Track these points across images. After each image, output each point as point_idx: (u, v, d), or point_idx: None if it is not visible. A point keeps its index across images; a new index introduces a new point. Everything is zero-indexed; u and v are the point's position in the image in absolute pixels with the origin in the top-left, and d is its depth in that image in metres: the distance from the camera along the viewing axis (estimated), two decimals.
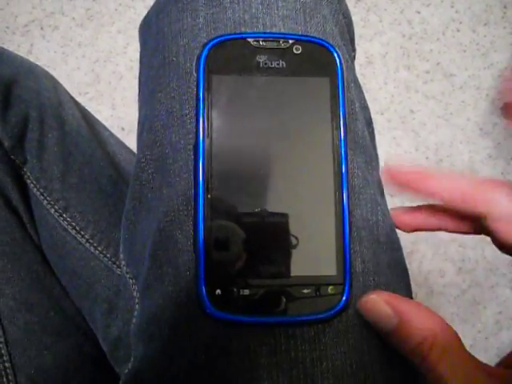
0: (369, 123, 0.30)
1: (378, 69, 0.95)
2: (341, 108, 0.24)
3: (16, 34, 0.94)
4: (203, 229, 0.23)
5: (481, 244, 0.84)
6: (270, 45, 0.25)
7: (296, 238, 0.24)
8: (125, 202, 0.31)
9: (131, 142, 0.38)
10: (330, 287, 0.23)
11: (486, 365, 0.22)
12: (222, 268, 0.23)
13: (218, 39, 0.24)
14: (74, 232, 0.38)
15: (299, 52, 0.25)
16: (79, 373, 0.38)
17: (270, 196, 0.24)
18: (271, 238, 0.24)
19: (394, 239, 0.27)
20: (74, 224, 0.38)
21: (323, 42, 0.25)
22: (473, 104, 0.94)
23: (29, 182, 0.39)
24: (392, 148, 0.91)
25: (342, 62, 0.25)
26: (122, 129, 0.89)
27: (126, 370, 0.31)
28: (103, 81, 0.92)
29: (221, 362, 0.23)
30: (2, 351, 0.35)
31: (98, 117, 0.47)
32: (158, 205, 0.27)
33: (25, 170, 0.39)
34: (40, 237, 0.40)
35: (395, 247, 0.27)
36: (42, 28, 0.94)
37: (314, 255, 0.24)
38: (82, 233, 0.38)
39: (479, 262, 0.85)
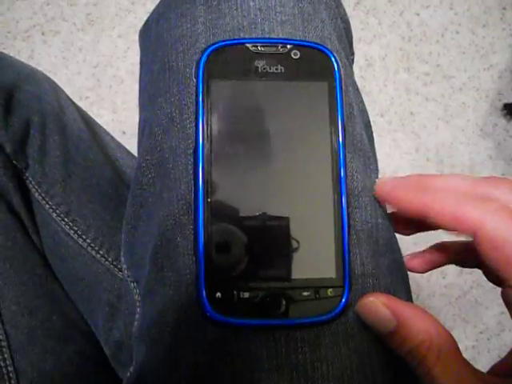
0: (367, 126, 0.30)
1: (378, 71, 0.95)
2: (339, 112, 0.25)
3: (17, 39, 0.94)
4: (203, 232, 0.23)
5: None
6: (268, 50, 0.25)
7: (295, 241, 0.24)
8: (126, 206, 0.31)
9: (132, 146, 0.38)
10: (330, 290, 0.23)
11: (479, 372, 0.22)
12: (222, 271, 0.23)
13: (217, 45, 0.25)
14: (75, 236, 0.39)
15: (297, 57, 0.25)
16: (81, 376, 0.38)
17: (270, 200, 0.24)
18: (271, 241, 0.24)
19: (393, 241, 0.27)
20: (75, 228, 0.39)
21: (321, 47, 0.25)
22: (473, 105, 0.95)
23: (30, 186, 0.39)
24: (392, 150, 0.91)
25: (340, 66, 0.25)
26: (124, 133, 0.89)
27: (128, 374, 0.31)
28: (104, 85, 0.92)
29: (222, 365, 0.24)
30: (5, 355, 0.35)
31: (99, 121, 0.47)
32: (159, 209, 0.27)
33: (26, 174, 0.39)
34: (42, 241, 0.40)
35: (394, 249, 0.27)
36: (43, 33, 0.95)
37: (313, 258, 0.24)
38: (84, 237, 0.39)
39: None
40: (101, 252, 0.39)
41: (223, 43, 0.25)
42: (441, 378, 0.21)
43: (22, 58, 0.91)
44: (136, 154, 0.32)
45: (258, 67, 0.25)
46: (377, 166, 0.30)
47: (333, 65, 0.25)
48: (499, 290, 0.23)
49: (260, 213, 0.24)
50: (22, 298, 0.37)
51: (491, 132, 0.93)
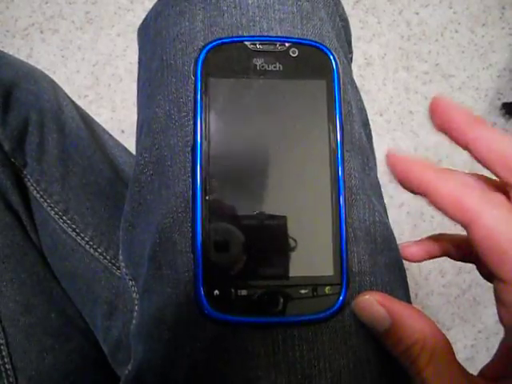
0: (366, 124, 0.30)
1: (377, 70, 0.95)
2: (337, 110, 0.25)
3: (16, 38, 0.94)
4: (201, 230, 0.23)
5: None
6: (266, 48, 0.25)
7: (293, 239, 0.24)
8: (124, 204, 0.31)
9: (131, 145, 0.38)
10: (327, 287, 0.23)
11: (471, 375, 0.22)
12: (219, 269, 0.23)
13: (216, 42, 0.25)
14: (73, 234, 0.39)
15: (296, 55, 0.25)
16: (80, 374, 0.38)
17: (268, 198, 0.24)
18: (269, 239, 0.24)
19: (391, 240, 0.27)
20: (73, 226, 0.39)
21: (319, 45, 0.25)
22: (472, 104, 0.95)
23: (29, 184, 0.39)
24: None
25: (338, 64, 0.25)
26: (122, 131, 0.89)
27: (126, 372, 0.31)
28: (103, 83, 0.92)
29: (220, 362, 0.24)
30: (3, 353, 0.35)
31: (97, 119, 0.47)
32: (157, 207, 0.27)
33: (25, 172, 0.39)
34: (40, 239, 0.40)
35: (392, 247, 0.27)
36: (41, 31, 0.95)
37: (311, 256, 0.24)
38: (82, 235, 0.39)
39: None
40: (99, 250, 0.39)
41: (221, 41, 0.25)
42: (432, 380, 0.21)
43: (21, 56, 0.91)
44: (135, 152, 0.32)
45: (256, 65, 0.25)
46: (375, 164, 0.30)
47: (331, 63, 0.25)
48: None
49: (258, 211, 0.24)
50: (20, 296, 0.37)
51: None
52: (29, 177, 0.39)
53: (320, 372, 0.23)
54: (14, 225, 0.38)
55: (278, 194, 0.24)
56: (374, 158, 0.30)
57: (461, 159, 0.92)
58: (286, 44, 0.25)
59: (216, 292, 0.23)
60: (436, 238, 0.29)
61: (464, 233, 0.23)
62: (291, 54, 0.25)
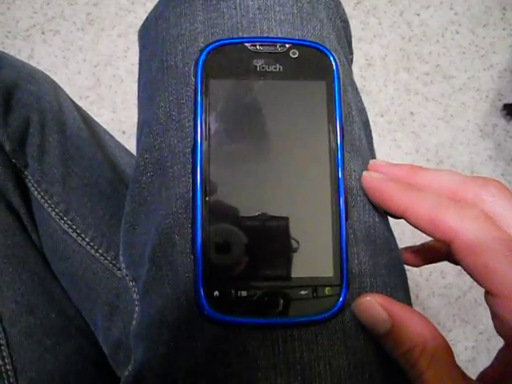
0: (366, 126, 0.30)
1: (378, 71, 0.95)
2: (337, 111, 0.25)
3: (17, 39, 0.94)
4: (201, 231, 0.23)
5: None
6: (267, 49, 0.25)
7: (293, 240, 0.24)
8: (125, 204, 0.31)
9: (132, 146, 0.38)
10: (327, 288, 0.23)
11: (470, 379, 0.22)
12: (219, 270, 0.23)
13: (216, 44, 0.25)
14: (74, 235, 0.39)
15: (296, 56, 0.25)
16: (80, 375, 0.38)
17: (267, 199, 0.24)
18: (269, 240, 0.24)
19: (391, 241, 0.27)
20: (74, 227, 0.39)
21: (319, 46, 0.25)
22: (473, 105, 0.95)
23: (30, 185, 0.39)
24: (392, 150, 0.91)
25: (339, 65, 0.25)
26: (123, 132, 0.89)
27: (126, 372, 0.31)
28: (104, 84, 0.92)
29: (219, 363, 0.24)
30: (4, 354, 0.35)
31: (98, 120, 0.47)
32: (157, 208, 0.27)
33: (26, 173, 0.39)
34: (41, 240, 0.40)
35: (392, 249, 0.27)
36: (43, 32, 0.95)
37: (311, 257, 0.24)
38: (83, 235, 0.39)
39: None
40: (100, 251, 0.39)
41: (222, 42, 0.25)
42: (432, 383, 0.21)
43: (22, 57, 0.91)
44: (135, 153, 0.32)
45: (256, 66, 0.25)
46: None
47: (331, 64, 0.25)
48: None
49: (258, 212, 0.24)
50: (20, 297, 0.37)
51: (491, 132, 0.93)
52: (30, 178, 0.39)
53: (320, 373, 0.23)
54: (14, 225, 0.38)
55: (277, 196, 0.24)
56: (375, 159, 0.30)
57: (461, 160, 0.92)
58: (287, 45, 0.25)
59: (216, 293, 0.23)
60: (435, 243, 0.29)
61: None
62: (291, 55, 0.25)
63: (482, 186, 0.23)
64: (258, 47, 0.25)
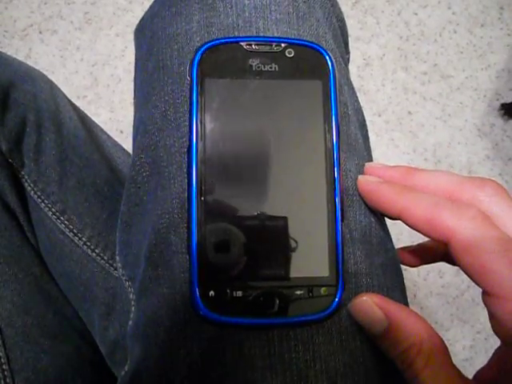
0: (362, 125, 0.30)
1: (376, 70, 0.95)
2: (333, 111, 0.25)
3: (15, 38, 0.94)
4: (196, 231, 0.23)
5: None
6: (262, 48, 0.25)
7: (289, 240, 0.24)
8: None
9: (130, 145, 0.38)
10: (323, 288, 0.23)
11: (467, 379, 0.22)
12: (215, 270, 0.23)
13: (212, 43, 0.25)
14: (71, 235, 0.39)
15: (292, 55, 0.25)
16: (77, 375, 0.38)
17: (263, 199, 0.24)
18: (264, 240, 0.24)
19: (387, 241, 0.27)
20: (71, 227, 0.39)
21: (315, 46, 0.25)
22: (470, 105, 0.95)
23: (26, 185, 0.39)
24: (390, 149, 0.91)
25: (335, 65, 0.25)
26: (121, 132, 0.89)
27: (123, 372, 0.31)
28: (101, 84, 0.92)
29: (215, 364, 0.24)
30: (0, 354, 0.35)
31: (96, 120, 0.47)
32: (153, 207, 0.27)
33: (22, 173, 0.39)
34: (38, 239, 0.40)
35: (388, 248, 0.27)
36: (40, 32, 0.95)
37: (307, 257, 0.24)
38: (80, 235, 0.39)
39: None
40: (96, 251, 0.39)
41: (217, 42, 0.25)
42: (429, 383, 0.21)
43: (20, 56, 0.91)
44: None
45: (252, 66, 0.25)
46: None
47: (327, 64, 0.25)
48: None
49: (253, 212, 0.24)
50: (17, 297, 0.37)
51: (489, 132, 0.93)
52: (26, 177, 0.39)
53: (316, 373, 0.23)
54: (11, 225, 0.38)
55: (273, 195, 0.24)
56: (371, 159, 0.30)
57: (459, 160, 0.92)
58: (282, 44, 0.25)
59: (211, 293, 0.23)
60: (432, 244, 0.29)
61: None
62: (287, 54, 0.25)
63: (478, 186, 0.23)
64: (253, 46, 0.25)
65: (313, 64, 0.25)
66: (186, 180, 0.24)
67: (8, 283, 0.37)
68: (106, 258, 0.39)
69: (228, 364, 0.23)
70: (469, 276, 0.22)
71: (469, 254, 0.21)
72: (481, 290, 0.22)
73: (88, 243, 0.39)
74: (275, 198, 0.24)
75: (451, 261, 0.28)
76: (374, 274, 0.25)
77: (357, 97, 0.31)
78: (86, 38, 0.95)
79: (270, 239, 0.24)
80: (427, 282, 0.85)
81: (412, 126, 0.93)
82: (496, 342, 0.23)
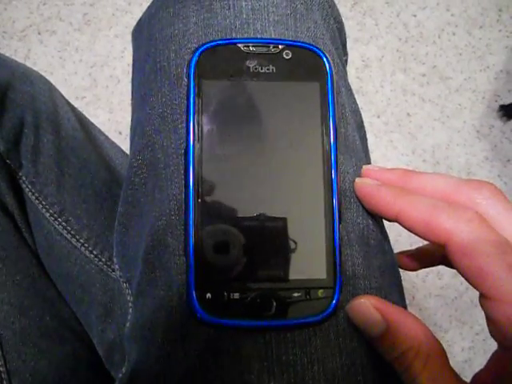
0: (360, 127, 0.30)
1: (375, 72, 0.95)
2: (331, 112, 0.25)
3: (13, 39, 0.94)
4: (193, 233, 0.23)
5: None
6: (260, 50, 0.25)
7: (286, 242, 0.24)
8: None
9: (128, 146, 0.38)
10: (321, 291, 0.23)
11: (465, 382, 0.22)
12: (212, 272, 0.23)
13: (209, 45, 0.25)
14: (69, 236, 0.39)
15: (289, 57, 0.25)
16: (75, 377, 0.38)
17: (260, 201, 0.24)
18: (262, 242, 0.24)
19: (385, 243, 0.27)
20: (69, 228, 0.39)
21: (313, 48, 0.25)
22: (469, 107, 0.95)
23: (24, 186, 0.39)
24: (389, 151, 0.91)
25: (332, 67, 0.25)
26: (120, 133, 0.89)
27: (121, 374, 0.31)
28: (100, 85, 0.92)
29: (212, 366, 0.23)
30: None
31: (95, 121, 0.47)
32: (150, 209, 0.27)
33: (20, 174, 0.39)
34: (35, 241, 0.40)
35: (386, 250, 0.27)
36: (39, 33, 0.95)
37: (304, 259, 0.24)
38: (77, 237, 0.39)
39: None
40: (94, 252, 0.38)
41: (215, 43, 0.25)
42: None
43: (19, 57, 0.91)
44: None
45: (249, 67, 0.25)
46: None
47: (325, 65, 0.25)
48: None
49: (250, 214, 0.24)
50: (14, 299, 0.37)
51: (487, 133, 0.94)
52: (24, 178, 0.39)
53: (314, 376, 0.23)
54: (8, 227, 0.38)
55: (270, 197, 0.24)
56: (369, 161, 0.30)
57: (458, 161, 0.92)
58: (280, 46, 0.25)
59: (208, 295, 0.23)
60: (431, 248, 0.29)
61: None
62: (284, 56, 0.25)
63: (476, 188, 0.23)
64: (251, 48, 0.25)
65: (310, 66, 0.25)
66: (183, 182, 0.24)
67: (5, 285, 0.37)
68: (103, 259, 0.38)
69: (225, 366, 0.23)
70: (466, 279, 0.22)
71: (466, 257, 0.21)
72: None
73: (86, 245, 0.38)
74: (272, 199, 0.24)
75: (449, 264, 0.28)
76: (371, 276, 0.25)
77: (354, 98, 0.31)
78: (84, 39, 0.95)
79: (267, 241, 0.24)
80: (426, 284, 0.85)
81: (411, 127, 0.93)
82: (495, 344, 0.23)
